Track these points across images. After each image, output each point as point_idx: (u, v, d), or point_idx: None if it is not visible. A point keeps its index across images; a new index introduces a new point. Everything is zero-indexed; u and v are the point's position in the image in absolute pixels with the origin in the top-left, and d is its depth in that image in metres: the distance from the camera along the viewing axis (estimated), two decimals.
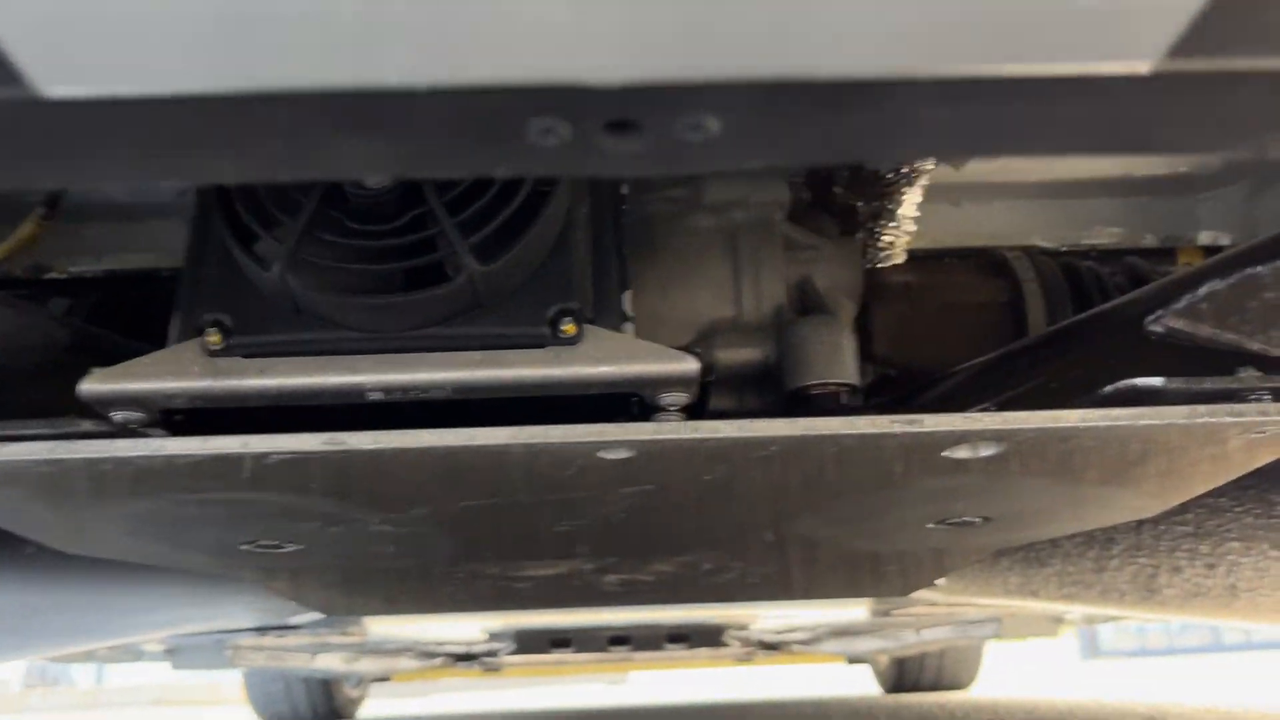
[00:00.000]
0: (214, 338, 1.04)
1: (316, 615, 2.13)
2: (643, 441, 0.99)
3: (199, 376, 1.03)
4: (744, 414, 1.30)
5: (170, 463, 0.99)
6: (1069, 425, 1.00)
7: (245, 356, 1.04)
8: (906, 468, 1.10)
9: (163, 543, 1.33)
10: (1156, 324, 1.07)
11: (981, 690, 4.82)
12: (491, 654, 3.61)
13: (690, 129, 0.49)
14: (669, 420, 1.07)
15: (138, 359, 1.04)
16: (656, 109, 0.48)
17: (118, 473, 1.00)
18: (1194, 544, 1.64)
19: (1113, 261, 1.66)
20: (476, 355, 1.05)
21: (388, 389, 1.05)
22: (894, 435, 1.00)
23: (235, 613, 2.18)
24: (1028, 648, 4.36)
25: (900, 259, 1.55)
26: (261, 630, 2.86)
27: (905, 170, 1.34)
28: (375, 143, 0.50)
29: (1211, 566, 1.70)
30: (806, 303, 1.43)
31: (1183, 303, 1.04)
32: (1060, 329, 1.41)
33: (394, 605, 1.80)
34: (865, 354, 1.53)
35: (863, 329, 1.53)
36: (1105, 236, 1.83)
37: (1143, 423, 0.99)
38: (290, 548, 1.35)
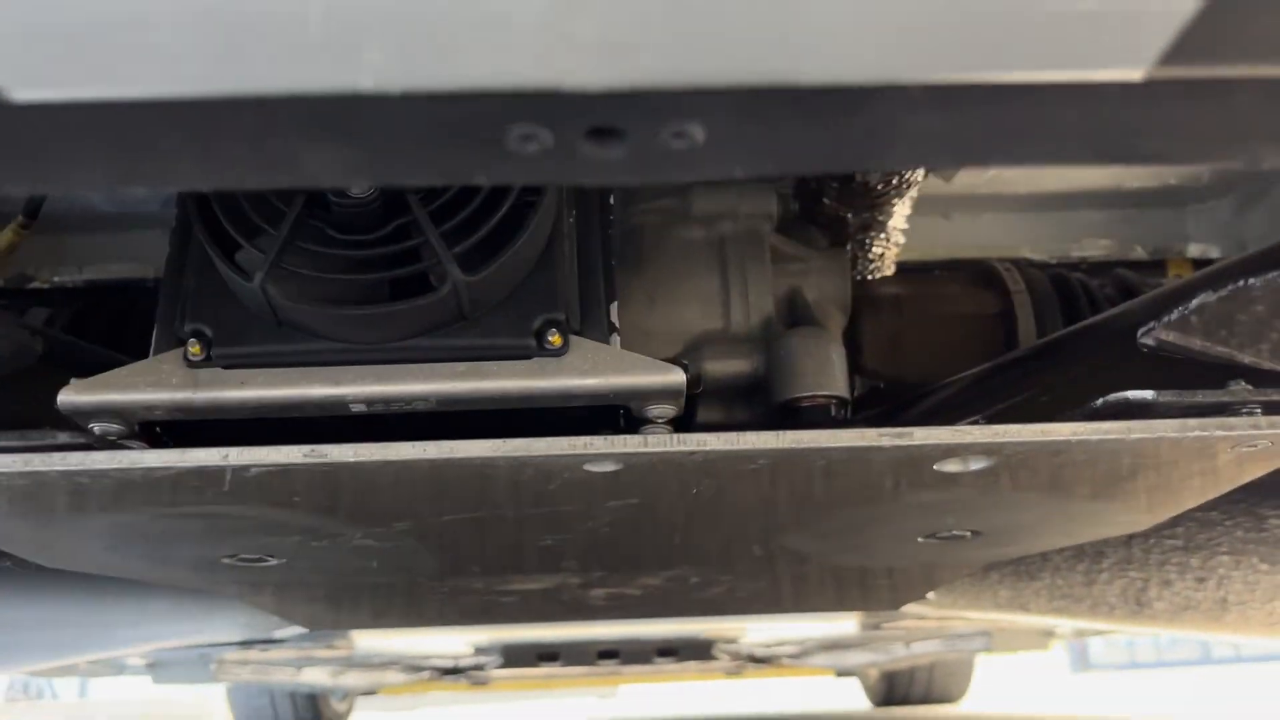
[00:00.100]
0: (195, 348, 1.03)
1: (301, 630, 2.11)
2: (629, 454, 0.98)
3: (179, 388, 1.02)
4: (732, 427, 1.29)
5: (148, 475, 0.97)
6: (1060, 439, 0.99)
7: (226, 368, 1.03)
8: (896, 481, 1.09)
9: (142, 557, 1.31)
10: (1148, 336, 1.06)
11: (972, 703, 4.80)
12: (479, 668, 3.58)
13: (674, 137, 0.48)
14: (656, 433, 1.06)
15: (117, 370, 1.02)
16: (640, 116, 0.47)
17: (95, 485, 0.99)
18: (1184, 558, 1.63)
19: (1102, 274, 1.65)
20: (461, 367, 1.03)
21: (371, 401, 1.03)
22: (883, 448, 0.99)
23: (218, 627, 2.16)
24: (1018, 661, 4.35)
25: (889, 271, 1.55)
26: (245, 644, 2.83)
27: (894, 182, 1.33)
28: (350, 150, 0.48)
29: (1202, 580, 1.69)
30: (795, 315, 1.42)
31: (1174, 315, 1.04)
32: (1050, 341, 1.40)
33: (378, 620, 1.78)
34: (854, 366, 1.52)
35: (852, 341, 1.52)
36: (1095, 249, 1.83)
37: (1134, 436, 0.99)
38: (272, 562, 1.33)
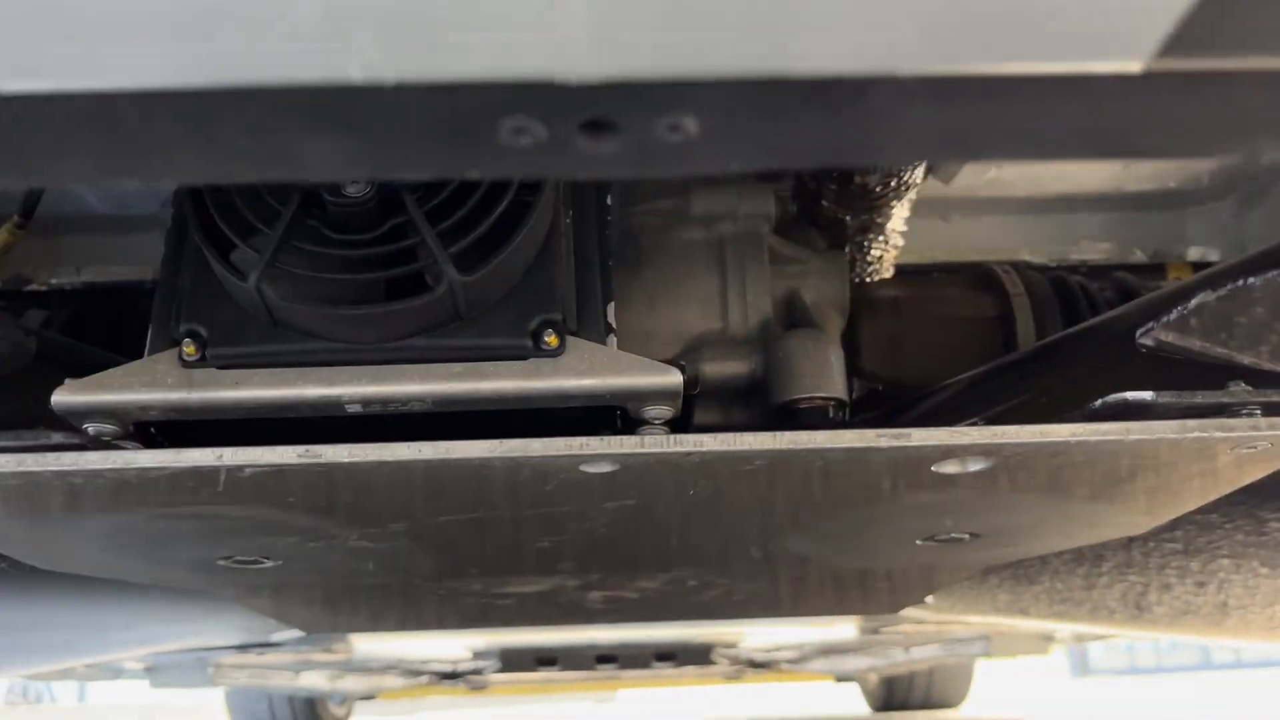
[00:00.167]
0: (190, 349, 1.02)
1: (298, 633, 2.11)
2: (626, 455, 0.98)
3: (173, 388, 1.01)
4: (730, 429, 1.28)
5: (142, 475, 0.97)
6: (1059, 440, 0.99)
7: (221, 368, 1.02)
8: (894, 483, 1.09)
9: (137, 558, 1.30)
10: (1147, 337, 1.06)
11: (971, 708, 4.79)
12: (477, 672, 3.58)
13: (668, 130, 0.47)
14: (653, 434, 1.05)
15: (111, 370, 1.02)
16: (633, 108, 0.46)
17: (89, 486, 0.98)
18: (1184, 561, 1.63)
19: (1102, 277, 1.65)
20: (457, 367, 1.03)
21: (366, 402, 1.03)
22: (881, 449, 0.99)
23: (215, 630, 2.15)
24: (1017, 666, 4.34)
25: (888, 273, 1.54)
26: (243, 648, 2.82)
27: (893, 184, 1.33)
28: (343, 142, 0.48)
29: (1202, 584, 1.69)
30: (794, 316, 1.41)
31: (1173, 315, 1.03)
32: (1049, 343, 1.40)
33: (376, 623, 1.78)
34: (853, 368, 1.51)
35: (850, 343, 1.52)
36: (1094, 252, 1.83)
37: (1133, 437, 0.98)
38: (268, 563, 1.33)
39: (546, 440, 0.97)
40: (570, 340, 1.04)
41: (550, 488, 1.05)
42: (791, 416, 1.29)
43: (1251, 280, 1.01)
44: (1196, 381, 1.02)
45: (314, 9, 0.39)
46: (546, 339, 1.03)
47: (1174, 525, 1.43)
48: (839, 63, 0.44)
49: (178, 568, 1.37)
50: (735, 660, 3.53)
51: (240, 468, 0.97)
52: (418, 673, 3.60)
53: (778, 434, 0.98)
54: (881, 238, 1.47)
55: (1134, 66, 0.46)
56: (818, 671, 4.05)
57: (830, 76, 0.45)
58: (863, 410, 1.53)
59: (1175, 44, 0.44)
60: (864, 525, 1.27)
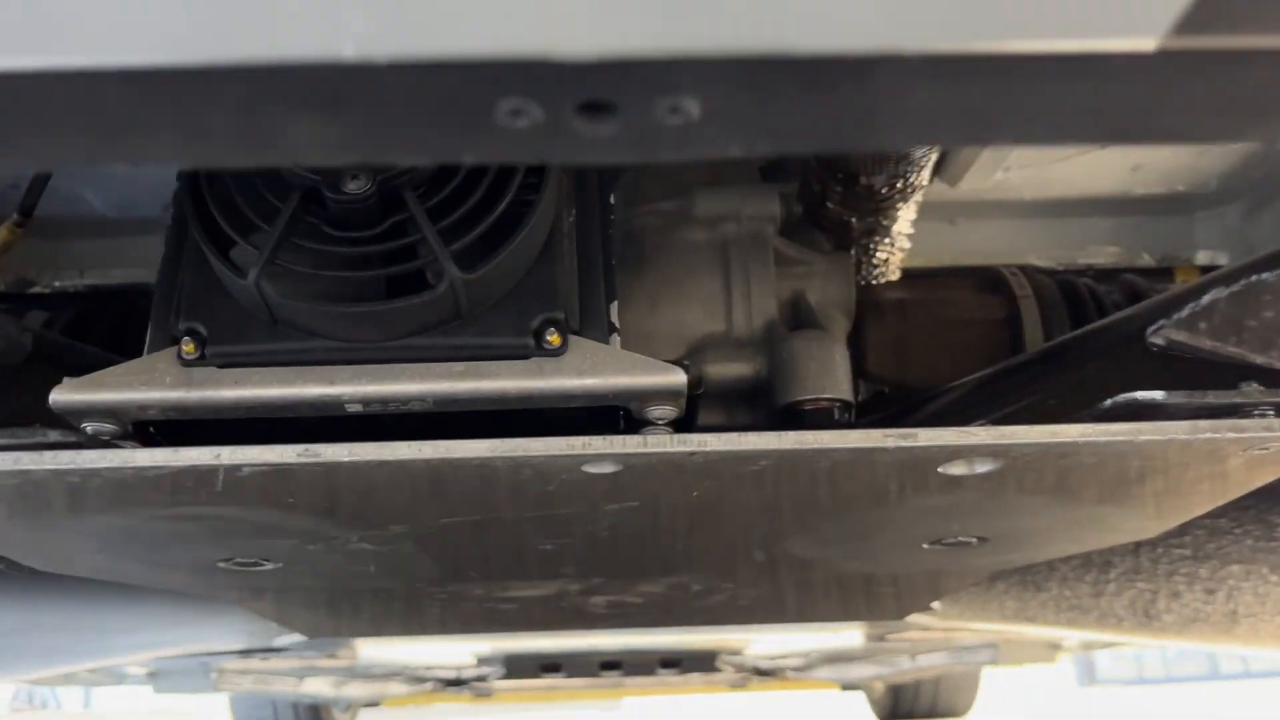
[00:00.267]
0: (189, 347, 1.01)
1: (301, 637, 2.09)
2: (629, 455, 0.96)
3: (172, 386, 1.00)
4: (734, 430, 1.27)
5: (140, 474, 0.96)
6: (1067, 440, 0.97)
7: (220, 366, 1.01)
8: (900, 485, 1.07)
9: (137, 560, 1.29)
10: (1157, 336, 1.04)
11: (978, 718, 4.77)
12: (482, 679, 3.56)
13: (669, 112, 0.46)
14: (656, 434, 1.04)
15: (110, 368, 1.01)
16: (632, 88, 0.45)
17: (86, 485, 0.97)
18: (1193, 568, 1.61)
19: (1110, 280, 1.64)
20: (458, 366, 1.02)
21: (367, 401, 1.02)
22: (887, 450, 0.97)
23: (217, 634, 2.14)
24: (1024, 674, 4.32)
25: (894, 276, 1.53)
26: (246, 653, 2.81)
27: (898, 186, 1.32)
28: (338, 124, 0.47)
29: (1211, 591, 1.67)
30: (799, 318, 1.40)
31: (1185, 312, 1.02)
32: (1058, 344, 1.39)
33: (378, 627, 1.77)
34: (859, 371, 1.50)
35: (856, 346, 1.51)
36: (1102, 256, 1.82)
37: (1143, 438, 0.97)
38: (269, 566, 1.32)
39: (548, 440, 0.96)
40: (573, 339, 1.03)
41: (552, 488, 1.04)
42: (796, 418, 1.28)
43: (1265, 276, 0.99)
44: (1208, 382, 1.01)
45: None
46: (549, 338, 1.02)
47: (1183, 530, 1.42)
48: (843, 41, 0.43)
49: (178, 570, 1.36)
50: (740, 668, 3.52)
51: (239, 467, 0.96)
52: (422, 679, 3.59)
53: (783, 434, 0.97)
54: (887, 240, 1.46)
55: (1147, 45, 0.45)
56: (823, 680, 4.03)
57: (834, 55, 0.44)
58: (868, 413, 1.52)
59: (1190, 22, 0.43)
60: (870, 528, 1.25)
